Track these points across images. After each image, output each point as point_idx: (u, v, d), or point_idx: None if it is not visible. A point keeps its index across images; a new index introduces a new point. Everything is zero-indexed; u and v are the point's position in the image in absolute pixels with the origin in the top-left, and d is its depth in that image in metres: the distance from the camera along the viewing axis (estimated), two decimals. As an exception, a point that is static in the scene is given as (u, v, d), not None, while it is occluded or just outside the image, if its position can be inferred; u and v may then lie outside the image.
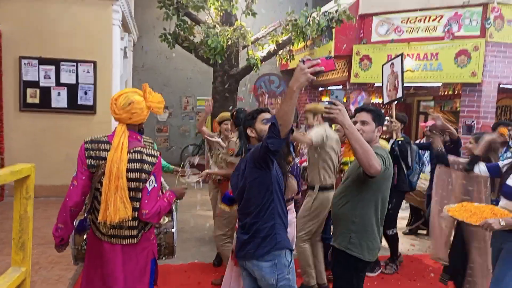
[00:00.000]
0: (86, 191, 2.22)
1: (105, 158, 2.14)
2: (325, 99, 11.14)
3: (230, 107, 8.04)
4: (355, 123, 2.60)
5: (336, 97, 2.37)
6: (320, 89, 10.82)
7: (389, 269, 4.34)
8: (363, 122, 2.48)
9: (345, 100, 9.79)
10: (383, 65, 4.28)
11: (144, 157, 2.18)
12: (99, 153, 2.18)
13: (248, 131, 2.43)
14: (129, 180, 2.14)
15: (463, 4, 6.93)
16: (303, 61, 1.82)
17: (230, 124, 4.10)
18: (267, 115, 2.39)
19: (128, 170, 2.13)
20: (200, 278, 4.01)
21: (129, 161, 2.14)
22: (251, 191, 2.22)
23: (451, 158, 3.32)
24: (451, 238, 3.53)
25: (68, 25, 6.28)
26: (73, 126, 6.41)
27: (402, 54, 4.02)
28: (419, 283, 4.14)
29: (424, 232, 5.75)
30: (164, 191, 2.46)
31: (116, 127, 2.21)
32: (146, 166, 2.17)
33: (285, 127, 1.90)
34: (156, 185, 2.24)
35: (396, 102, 4.45)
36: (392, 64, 4.57)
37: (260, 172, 2.17)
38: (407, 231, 5.80)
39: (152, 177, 2.21)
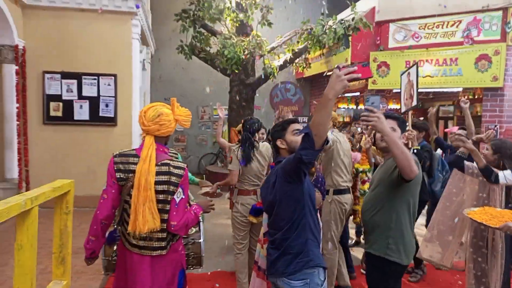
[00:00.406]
0: (116, 204, 2.25)
1: (133, 171, 2.17)
2: (360, 106, 11.06)
3: (248, 117, 8.07)
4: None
5: (373, 103, 2.35)
6: (338, 96, 10.75)
7: (414, 277, 4.26)
8: (391, 129, 2.47)
9: (362, 105, 9.72)
10: (401, 74, 4.26)
11: (172, 169, 2.21)
12: (128, 166, 2.21)
13: (278, 143, 2.33)
14: (157, 192, 2.16)
15: (482, 8, 6.84)
16: (339, 68, 1.76)
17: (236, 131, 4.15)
18: (298, 126, 2.32)
19: (156, 183, 2.16)
20: (223, 287, 4.01)
21: (157, 173, 2.17)
22: (282, 205, 2.14)
23: (467, 163, 3.27)
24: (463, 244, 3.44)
25: (89, 40, 6.44)
26: (94, 138, 6.54)
27: (417, 64, 3.99)
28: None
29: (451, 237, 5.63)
30: (191, 203, 2.47)
31: (144, 140, 2.25)
32: (173, 178, 2.20)
33: (320, 137, 1.81)
34: (183, 197, 2.26)
35: (411, 110, 4.41)
36: (409, 73, 4.53)
37: (291, 185, 2.09)
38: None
39: (179, 189, 2.23)
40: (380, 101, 7.17)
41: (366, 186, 4.54)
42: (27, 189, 6.39)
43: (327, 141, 1.87)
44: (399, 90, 4.52)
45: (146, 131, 2.24)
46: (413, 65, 4.00)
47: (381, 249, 2.39)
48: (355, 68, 1.75)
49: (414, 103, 3.99)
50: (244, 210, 3.68)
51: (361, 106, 11.67)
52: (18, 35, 6.13)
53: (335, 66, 1.80)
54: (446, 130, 7.14)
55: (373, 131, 4.53)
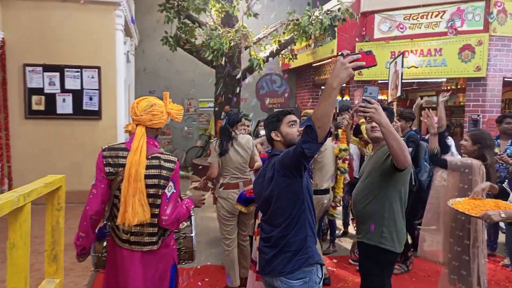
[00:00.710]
0: (105, 199, 2.21)
1: (123, 165, 2.13)
2: (345, 97, 11.09)
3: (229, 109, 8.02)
4: (369, 121, 2.61)
5: (370, 94, 2.34)
6: (323, 87, 10.80)
7: (397, 269, 4.28)
8: None
9: (347, 97, 9.79)
10: (389, 64, 4.29)
11: (162, 163, 2.18)
12: (117, 160, 2.17)
13: (273, 135, 2.21)
14: (148, 186, 2.13)
15: (465, -1, 6.92)
16: (343, 55, 1.69)
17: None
18: (293, 117, 2.22)
19: (147, 176, 2.13)
20: (214, 280, 4.01)
21: (148, 167, 2.14)
22: (280, 201, 2.05)
23: (449, 158, 3.28)
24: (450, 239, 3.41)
25: (71, 31, 6.29)
26: (79, 132, 6.42)
27: (403, 53, 4.01)
28: (434, 278, 4.12)
29: (434, 227, 5.73)
30: (182, 198, 2.45)
31: (134, 133, 2.21)
32: (164, 172, 2.17)
33: (323, 129, 1.73)
34: (175, 191, 2.23)
35: (395, 100, 4.47)
36: (396, 62, 4.56)
37: (290, 180, 2.00)
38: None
39: (170, 183, 2.21)
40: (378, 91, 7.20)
41: (345, 164, 4.53)
42: (10, 186, 6.24)
43: (330, 133, 1.79)
44: (384, 81, 4.57)
45: (138, 121, 2.20)
46: (399, 54, 4.04)
47: (375, 238, 2.43)
48: (359, 56, 1.69)
49: (398, 93, 4.04)
50: (227, 204, 3.64)
51: (346, 98, 11.75)
52: (-3, 26, 5.95)
53: (339, 53, 1.72)
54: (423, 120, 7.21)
55: (351, 125, 4.58)
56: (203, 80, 10.95)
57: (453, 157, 3.31)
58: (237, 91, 8.63)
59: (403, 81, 8.12)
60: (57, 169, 6.23)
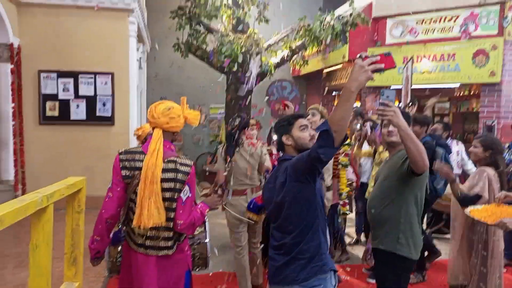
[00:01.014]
0: (121, 203, 2.21)
1: (139, 168, 2.14)
2: (356, 103, 11.01)
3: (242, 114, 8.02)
4: (385, 125, 2.57)
5: (387, 97, 2.31)
6: (334, 93, 10.76)
7: (413, 278, 4.19)
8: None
9: (358, 103, 9.74)
10: (402, 69, 4.25)
11: (178, 166, 2.18)
12: (133, 163, 2.18)
13: (284, 139, 2.17)
14: (163, 190, 2.13)
15: (479, 3, 6.85)
16: (362, 58, 1.65)
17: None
18: (305, 121, 2.18)
19: (163, 180, 2.13)
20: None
21: (164, 170, 2.14)
22: (293, 207, 2.00)
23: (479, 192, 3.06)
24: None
25: (85, 37, 6.36)
26: (91, 137, 6.47)
27: (412, 58, 3.96)
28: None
29: (448, 236, 5.62)
30: (196, 202, 2.44)
31: (152, 135, 2.21)
32: (180, 176, 2.17)
33: (340, 134, 1.70)
34: (190, 195, 2.23)
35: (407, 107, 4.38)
36: (406, 68, 4.50)
37: (303, 185, 1.96)
38: (428, 232, 5.67)
39: (186, 187, 2.20)
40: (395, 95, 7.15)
41: (346, 159, 4.50)
42: (23, 191, 6.30)
43: (346, 137, 1.76)
44: (397, 87, 4.51)
45: (155, 124, 2.21)
46: (409, 60, 3.99)
47: (391, 244, 2.37)
48: (378, 58, 1.66)
49: (408, 99, 3.98)
50: (235, 211, 3.60)
51: (356, 104, 11.67)
52: (13, 33, 6.04)
53: (357, 56, 1.68)
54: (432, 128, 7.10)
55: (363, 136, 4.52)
56: (214, 86, 11.00)
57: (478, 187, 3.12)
58: (248, 97, 8.64)
59: (415, 86, 8.07)
60: (69, 174, 6.20)
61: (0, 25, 5.84)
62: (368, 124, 4.61)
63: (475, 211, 2.75)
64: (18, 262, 4.10)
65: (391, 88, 7.81)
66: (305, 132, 2.14)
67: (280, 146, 2.23)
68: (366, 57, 1.66)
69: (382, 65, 1.66)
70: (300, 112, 2.52)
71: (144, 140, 3.79)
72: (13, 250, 4.49)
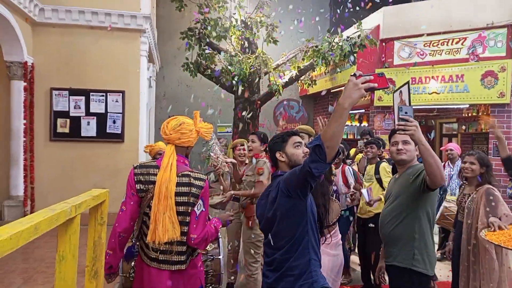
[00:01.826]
0: (134, 217, 2.20)
1: (154, 182, 2.14)
2: (364, 123, 11.08)
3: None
4: (394, 144, 2.57)
5: (406, 113, 2.34)
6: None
7: None
8: (405, 142, 2.52)
9: (365, 122, 9.73)
10: (393, 93, 4.26)
11: (192, 180, 2.18)
12: (148, 177, 2.18)
13: (277, 155, 2.18)
14: (177, 204, 2.13)
15: (487, 25, 6.91)
16: (356, 76, 1.69)
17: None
18: (299, 139, 2.20)
19: (177, 194, 2.12)
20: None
21: (178, 184, 2.14)
22: (283, 222, 2.00)
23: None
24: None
25: (97, 56, 6.48)
26: (101, 154, 6.50)
27: (408, 82, 3.95)
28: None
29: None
30: (209, 217, 2.42)
31: (165, 150, 2.23)
32: (194, 190, 2.16)
33: (332, 149, 1.71)
34: (204, 210, 2.22)
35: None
36: (401, 92, 4.44)
37: (294, 200, 1.95)
38: (439, 255, 5.56)
39: (200, 201, 2.20)
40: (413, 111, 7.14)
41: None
42: (32, 207, 6.31)
43: (339, 152, 1.76)
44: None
45: (167, 140, 2.23)
46: (404, 83, 4.02)
47: (407, 261, 2.37)
48: (372, 77, 1.69)
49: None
50: None
51: (364, 123, 11.68)
52: (27, 52, 6.17)
53: (351, 74, 1.72)
54: (441, 148, 7.07)
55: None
56: (222, 106, 11.09)
57: None
58: (256, 116, 8.69)
59: (424, 107, 8.05)
60: (78, 191, 6.23)
61: (15, 44, 5.97)
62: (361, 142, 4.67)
63: (491, 234, 2.69)
64: (27, 278, 4.07)
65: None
66: (298, 149, 2.16)
67: (274, 162, 2.24)
68: (360, 75, 1.69)
69: (375, 84, 1.69)
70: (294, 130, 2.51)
71: (158, 155, 3.81)
72: (20, 265, 4.46)
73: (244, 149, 4.15)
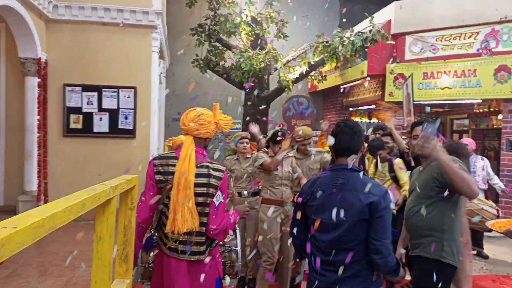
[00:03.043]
0: (154, 208, 2.22)
1: (173, 173, 2.15)
2: (373, 119, 11.11)
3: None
4: (415, 137, 2.56)
5: (429, 130, 2.36)
6: (351, 109, 10.75)
7: None
8: (416, 137, 2.58)
9: (374, 119, 9.67)
10: (402, 85, 4.21)
11: (211, 171, 2.19)
12: (167, 168, 2.20)
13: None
14: (196, 194, 2.14)
15: (500, 19, 6.84)
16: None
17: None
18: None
19: (196, 185, 2.13)
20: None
21: (197, 175, 2.14)
22: (361, 227, 1.88)
23: None
24: None
25: (110, 52, 6.52)
26: (113, 150, 6.56)
27: (411, 75, 3.88)
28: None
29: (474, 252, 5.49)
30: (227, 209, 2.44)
31: (184, 141, 2.24)
32: (213, 181, 2.17)
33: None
34: (223, 201, 2.23)
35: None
36: (407, 85, 4.41)
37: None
38: None
39: (219, 192, 2.20)
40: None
41: None
42: (45, 202, 6.38)
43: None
44: (416, 102, 4.42)
45: (186, 131, 2.24)
46: (409, 76, 3.97)
47: (437, 252, 2.37)
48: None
49: (412, 119, 3.93)
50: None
51: (373, 120, 11.63)
52: (41, 48, 6.24)
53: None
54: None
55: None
56: (231, 102, 11.12)
57: None
58: (265, 112, 8.69)
59: (436, 102, 7.98)
60: (91, 185, 6.34)
61: (30, 40, 6.04)
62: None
63: (497, 223, 2.75)
64: (43, 271, 4.13)
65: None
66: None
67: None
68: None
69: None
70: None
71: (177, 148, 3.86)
72: (36, 259, 4.53)
73: (247, 143, 4.43)
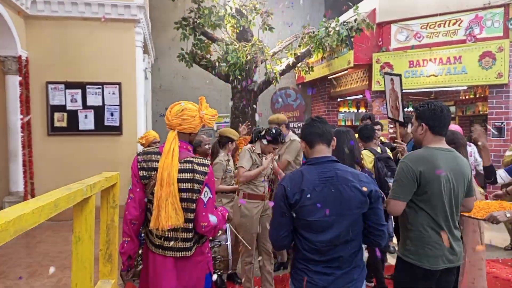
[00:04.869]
0: (143, 204, 2.18)
1: (156, 169, 2.12)
2: (361, 109, 11.16)
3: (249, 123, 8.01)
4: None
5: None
6: (339, 100, 10.77)
7: None
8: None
9: (362, 108, 9.65)
10: (384, 74, 4.15)
11: (195, 166, 2.15)
12: (150, 163, 2.16)
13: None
14: (181, 190, 2.10)
15: (483, 6, 6.87)
16: None
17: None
18: None
19: (180, 180, 2.09)
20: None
21: (180, 171, 2.11)
22: (359, 218, 1.94)
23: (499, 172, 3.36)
24: None
25: (92, 48, 6.40)
26: (100, 147, 6.47)
27: (400, 76, 3.84)
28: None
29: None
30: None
31: (168, 136, 2.20)
32: (197, 176, 2.13)
33: None
34: (211, 196, 2.20)
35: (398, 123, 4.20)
36: (392, 80, 4.30)
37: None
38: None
39: (206, 188, 2.17)
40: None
41: None
42: (32, 202, 6.28)
43: None
44: (404, 91, 4.35)
45: (169, 126, 2.20)
46: (397, 74, 3.96)
47: (401, 250, 2.33)
48: None
49: (401, 118, 3.87)
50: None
51: (362, 110, 11.66)
52: (21, 45, 6.09)
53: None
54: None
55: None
56: (218, 96, 11.03)
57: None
58: (253, 105, 8.64)
59: (422, 90, 8.02)
60: (78, 185, 6.27)
61: (9, 38, 5.89)
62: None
63: (477, 205, 2.79)
64: (32, 272, 4.07)
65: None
66: None
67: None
68: None
69: None
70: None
71: (153, 144, 3.82)
72: (24, 260, 4.46)
73: (231, 143, 4.57)
